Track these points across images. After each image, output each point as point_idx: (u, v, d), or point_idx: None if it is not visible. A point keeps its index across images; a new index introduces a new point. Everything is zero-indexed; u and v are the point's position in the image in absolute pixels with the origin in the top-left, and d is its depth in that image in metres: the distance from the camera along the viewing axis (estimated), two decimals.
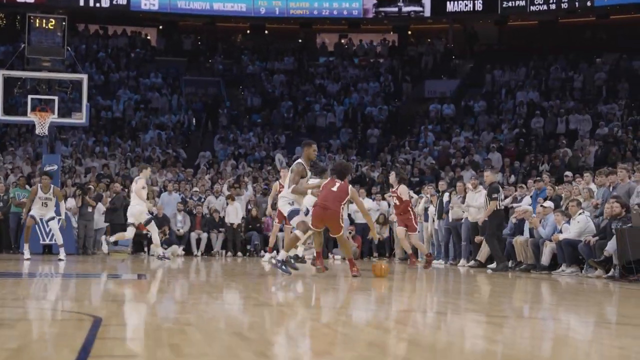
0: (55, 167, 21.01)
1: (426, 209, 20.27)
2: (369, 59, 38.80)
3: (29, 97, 21.39)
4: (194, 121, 34.33)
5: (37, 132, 21.21)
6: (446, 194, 19.57)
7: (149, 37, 39.84)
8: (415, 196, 20.48)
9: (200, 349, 4.78)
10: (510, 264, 17.20)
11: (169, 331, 5.61)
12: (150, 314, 7.01)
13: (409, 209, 16.39)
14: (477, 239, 18.17)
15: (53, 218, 17.42)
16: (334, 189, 12.64)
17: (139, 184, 17.60)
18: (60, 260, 16.72)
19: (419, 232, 17.50)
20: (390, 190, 17.22)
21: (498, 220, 16.89)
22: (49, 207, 17.46)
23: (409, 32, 39.66)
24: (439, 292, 10.82)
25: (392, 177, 17.34)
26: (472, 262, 18.23)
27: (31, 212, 17.35)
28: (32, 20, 21.84)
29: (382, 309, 8.14)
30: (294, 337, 5.61)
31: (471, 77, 36.26)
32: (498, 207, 16.77)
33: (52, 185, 17.81)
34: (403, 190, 16.25)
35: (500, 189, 17.71)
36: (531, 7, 35.11)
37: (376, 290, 10.50)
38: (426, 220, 20.18)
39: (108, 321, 5.92)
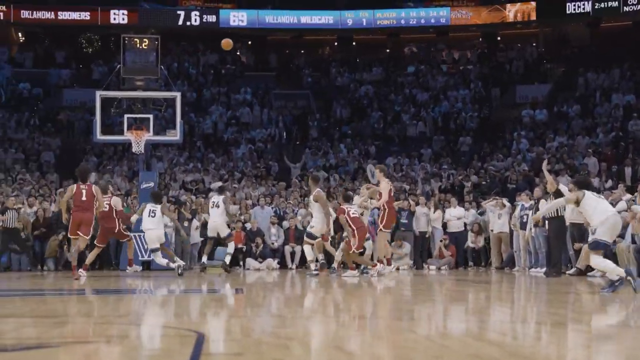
0: (152, 183, 21.37)
1: (522, 217, 19.94)
2: (458, 66, 38.51)
3: (125, 116, 21.85)
4: (284, 134, 34.58)
5: (133, 150, 21.62)
6: (542, 201, 19.19)
7: (238, 53, 40.36)
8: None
9: None
10: None
11: (271, 346, 5.64)
12: (251, 328, 7.05)
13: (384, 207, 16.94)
14: (577, 246, 17.83)
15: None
16: None
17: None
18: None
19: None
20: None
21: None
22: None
23: (498, 38, 39.21)
24: (539, 302, 10.63)
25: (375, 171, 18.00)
26: (572, 270, 17.86)
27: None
28: (126, 41, 22.33)
29: (481, 320, 8.02)
30: (395, 349, 5.57)
31: (563, 81, 35.63)
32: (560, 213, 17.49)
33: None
34: (382, 187, 16.82)
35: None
36: (624, 7, 34.28)
37: (473, 301, 10.37)
38: (522, 228, 19.84)
39: (211, 337, 5.98)
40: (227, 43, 19.26)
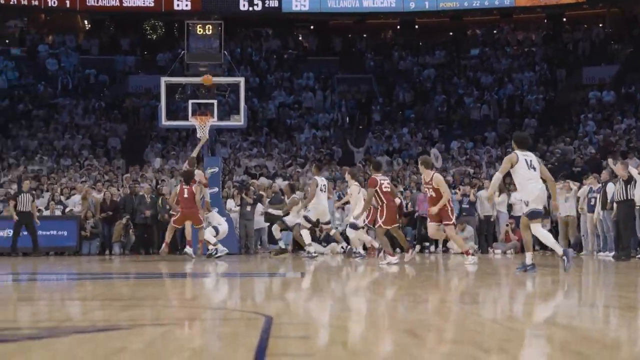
0: (217, 169, 21.55)
1: (590, 200, 19.67)
2: (523, 48, 38.02)
3: (190, 102, 22.06)
4: (347, 119, 34.55)
5: (198, 135, 21.85)
6: (610, 184, 18.89)
7: (300, 38, 40.40)
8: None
9: (372, 346, 4.79)
10: None
11: (338, 329, 5.65)
12: (317, 312, 7.08)
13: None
14: None
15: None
16: None
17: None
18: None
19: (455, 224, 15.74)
20: (424, 182, 15.39)
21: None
22: None
23: (564, 19, 38.59)
24: (608, 285, 10.47)
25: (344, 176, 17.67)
26: None
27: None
28: (190, 27, 22.51)
29: (549, 304, 7.93)
30: (462, 332, 5.54)
31: (631, 61, 34.94)
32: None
33: None
34: (438, 180, 14.71)
35: None
36: None
37: (540, 285, 10.27)
38: (590, 211, 19.57)
39: (278, 319, 6.01)
40: (207, 79, 21.01)
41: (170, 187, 23.68)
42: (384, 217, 15.36)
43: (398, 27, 40.00)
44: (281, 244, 19.23)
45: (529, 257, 11.77)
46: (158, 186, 24.08)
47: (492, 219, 22.42)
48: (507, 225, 22.00)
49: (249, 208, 22.28)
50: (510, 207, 22.58)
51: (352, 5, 36.51)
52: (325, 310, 7.25)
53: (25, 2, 34.83)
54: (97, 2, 35.40)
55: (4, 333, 5.48)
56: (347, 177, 18.40)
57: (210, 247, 18.37)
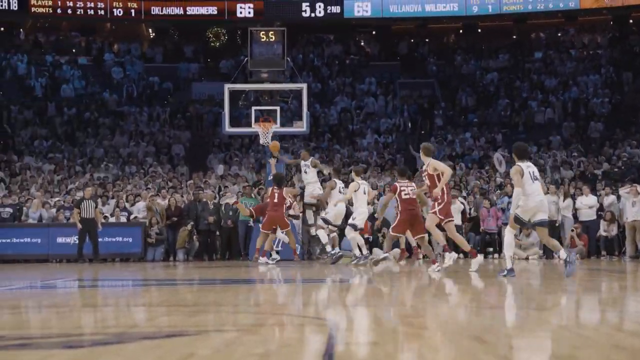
0: None
1: None
2: (588, 50, 37.45)
3: (252, 108, 22.20)
4: (409, 124, 34.41)
5: (261, 141, 21.96)
6: None
7: (362, 43, 40.37)
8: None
9: (441, 352, 4.75)
10: None
11: (406, 335, 5.61)
12: (383, 317, 7.04)
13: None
14: None
15: None
16: None
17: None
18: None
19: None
20: (420, 170, 15.07)
21: None
22: None
23: (630, 21, 37.91)
24: None
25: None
26: None
27: None
28: (253, 34, 22.65)
29: (617, 311, 7.78)
30: (532, 339, 5.46)
31: None
32: None
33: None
34: (435, 164, 13.76)
35: None
36: None
37: (607, 291, 10.10)
38: None
39: (343, 325, 6.00)
40: (274, 146, 20.64)
41: (233, 193, 23.82)
42: (395, 223, 15.00)
43: (461, 31, 39.70)
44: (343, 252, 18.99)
45: (562, 253, 11.63)
46: (221, 192, 24.25)
47: (557, 224, 22.09)
48: (572, 230, 21.67)
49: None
50: (575, 212, 22.24)
51: (414, 10, 36.27)
52: (390, 315, 7.21)
53: (92, 12, 35.38)
54: (161, 11, 35.80)
55: (73, 339, 5.55)
56: (353, 174, 18.34)
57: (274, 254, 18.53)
